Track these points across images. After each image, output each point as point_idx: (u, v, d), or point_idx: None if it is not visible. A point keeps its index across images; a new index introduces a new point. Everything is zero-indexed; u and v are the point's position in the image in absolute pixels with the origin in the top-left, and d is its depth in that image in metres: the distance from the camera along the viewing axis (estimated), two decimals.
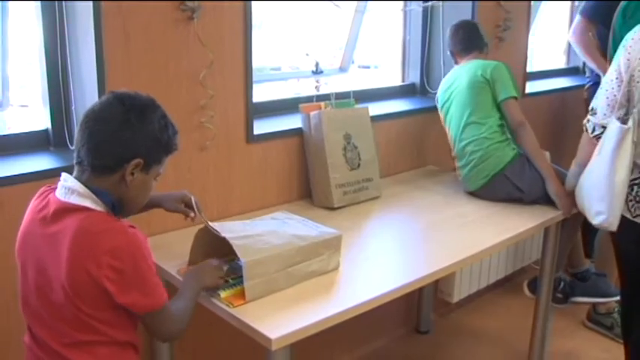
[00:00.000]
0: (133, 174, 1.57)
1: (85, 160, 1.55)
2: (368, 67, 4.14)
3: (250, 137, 2.52)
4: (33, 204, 1.64)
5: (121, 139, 1.55)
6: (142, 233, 1.58)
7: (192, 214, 2.01)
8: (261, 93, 2.55)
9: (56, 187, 1.60)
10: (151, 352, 2.39)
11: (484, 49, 3.05)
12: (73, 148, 2.18)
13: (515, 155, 2.77)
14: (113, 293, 1.51)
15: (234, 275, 1.92)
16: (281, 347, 1.71)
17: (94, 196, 1.55)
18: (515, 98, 2.79)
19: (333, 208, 2.62)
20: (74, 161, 1.59)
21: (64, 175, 1.59)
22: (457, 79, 2.93)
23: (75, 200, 1.54)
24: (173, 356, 2.34)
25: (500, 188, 2.75)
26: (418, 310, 3.48)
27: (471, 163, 2.83)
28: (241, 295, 1.84)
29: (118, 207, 1.60)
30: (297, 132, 2.69)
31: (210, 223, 1.92)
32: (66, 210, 1.54)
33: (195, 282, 1.81)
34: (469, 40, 3.04)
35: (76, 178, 1.57)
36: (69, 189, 1.55)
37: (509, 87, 2.79)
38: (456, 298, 3.44)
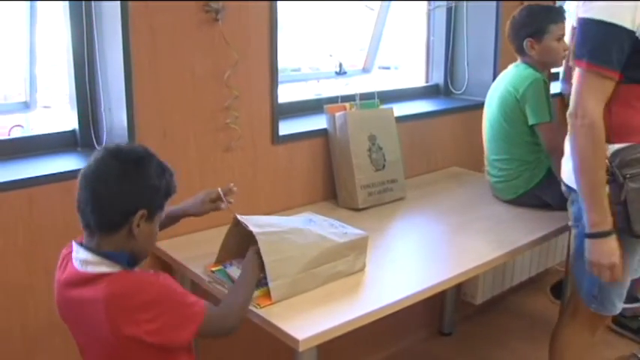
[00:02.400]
0: (139, 225, 1.59)
1: (92, 221, 1.57)
2: (388, 68, 4.13)
3: (276, 138, 2.52)
4: (57, 275, 1.67)
5: (122, 194, 1.57)
6: (161, 273, 1.62)
7: (223, 205, 2.02)
8: (282, 94, 2.54)
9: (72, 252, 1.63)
10: None
11: (525, 51, 2.71)
12: (99, 148, 2.22)
13: (545, 176, 2.68)
14: (158, 343, 1.54)
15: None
16: (308, 348, 1.71)
17: (107, 261, 1.56)
18: (549, 122, 2.62)
19: (357, 209, 2.61)
20: (81, 224, 1.60)
21: (75, 246, 1.62)
22: (500, 84, 2.79)
23: (92, 269, 1.56)
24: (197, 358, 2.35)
25: (529, 201, 2.71)
26: (441, 312, 3.46)
27: (499, 177, 2.78)
28: (268, 295, 1.83)
29: (132, 261, 1.62)
30: (322, 133, 2.69)
31: (238, 216, 1.92)
32: (87, 280, 1.56)
33: (246, 273, 1.82)
34: (512, 37, 2.76)
35: (86, 245, 1.60)
36: (83, 261, 1.58)
37: (542, 110, 2.60)
38: (479, 300, 3.42)
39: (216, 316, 1.66)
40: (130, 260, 1.61)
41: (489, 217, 2.60)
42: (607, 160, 1.98)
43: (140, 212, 1.57)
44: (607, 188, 1.98)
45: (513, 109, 2.67)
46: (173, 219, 2.02)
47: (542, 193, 2.67)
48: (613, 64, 1.91)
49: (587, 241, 2.04)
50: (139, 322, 1.51)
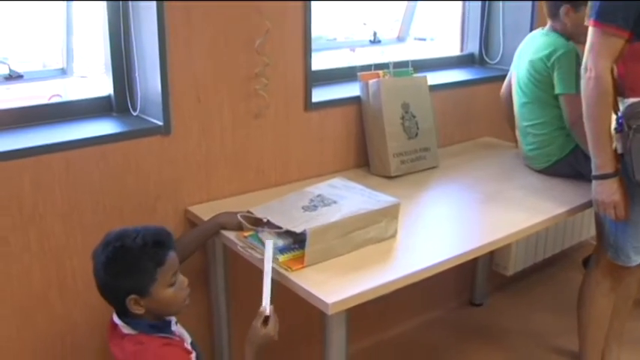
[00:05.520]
0: (139, 304, 1.66)
1: None
2: (424, 40, 4.10)
3: (309, 104, 2.52)
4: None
5: (107, 286, 1.68)
6: (175, 349, 1.70)
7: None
8: (317, 62, 2.54)
9: None
10: (209, 314, 2.44)
11: (559, 17, 2.64)
12: (135, 113, 2.25)
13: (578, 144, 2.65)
14: None
15: (289, 240, 1.93)
16: (337, 312, 1.73)
17: (125, 327, 1.69)
18: (574, 94, 2.53)
19: (390, 177, 2.61)
20: None
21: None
22: (528, 48, 2.76)
23: (122, 328, 1.70)
24: (230, 319, 2.39)
25: (562, 170, 2.68)
26: (472, 283, 3.46)
27: (533, 145, 2.75)
28: (300, 259, 1.85)
29: (156, 323, 1.72)
30: (355, 100, 2.68)
31: (271, 220, 1.94)
32: (118, 334, 1.71)
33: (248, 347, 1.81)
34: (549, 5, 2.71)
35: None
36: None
37: (569, 81, 2.55)
38: (511, 271, 3.41)
39: None
40: (152, 325, 1.70)
41: (522, 187, 2.58)
42: (619, 113, 2.21)
43: (129, 298, 1.65)
44: (616, 138, 2.23)
45: (544, 75, 2.63)
46: (208, 236, 2.10)
47: (575, 162, 2.64)
48: (620, 23, 2.11)
49: (593, 183, 2.31)
50: None
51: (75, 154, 2.04)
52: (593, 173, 2.29)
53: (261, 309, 1.76)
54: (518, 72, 2.80)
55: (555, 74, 2.59)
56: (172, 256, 1.70)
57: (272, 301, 1.77)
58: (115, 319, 1.71)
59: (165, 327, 1.73)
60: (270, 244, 1.83)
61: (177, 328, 1.79)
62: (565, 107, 2.60)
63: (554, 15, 2.67)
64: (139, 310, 1.65)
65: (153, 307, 1.67)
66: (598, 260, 2.58)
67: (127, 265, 1.64)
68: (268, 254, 1.82)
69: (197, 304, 2.40)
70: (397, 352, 3.05)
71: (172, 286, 1.69)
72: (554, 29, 2.69)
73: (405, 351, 3.06)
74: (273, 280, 1.84)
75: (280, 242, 1.90)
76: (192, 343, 1.81)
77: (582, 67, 2.22)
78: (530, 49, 2.73)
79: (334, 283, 1.79)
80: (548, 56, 2.60)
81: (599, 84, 2.17)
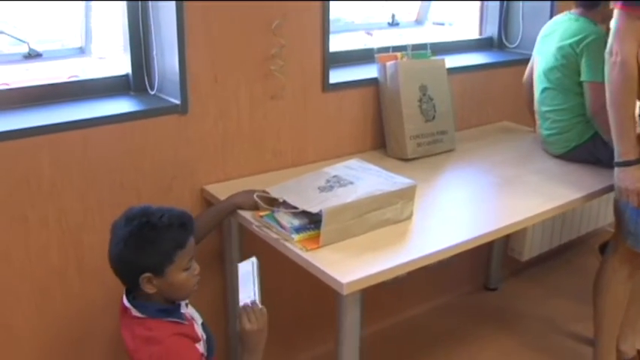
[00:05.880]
0: (151, 283, 1.65)
1: None
2: (442, 24, 4.07)
3: (326, 86, 2.52)
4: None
5: (123, 261, 1.66)
6: (183, 340, 1.68)
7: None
8: (333, 44, 2.53)
9: None
10: (224, 293, 2.46)
11: (595, 6, 2.62)
12: (152, 93, 2.25)
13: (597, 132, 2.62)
14: None
15: (304, 220, 1.93)
16: (352, 292, 1.73)
17: (134, 310, 1.68)
18: (602, 83, 2.44)
19: (406, 160, 2.61)
20: None
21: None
22: (555, 33, 2.71)
23: (132, 311, 1.69)
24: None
25: (581, 156, 2.66)
26: (487, 267, 3.45)
27: (552, 130, 2.72)
28: (315, 239, 1.86)
29: (166, 307, 1.71)
30: (372, 82, 2.67)
31: (287, 200, 1.93)
32: (129, 316, 1.70)
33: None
34: None
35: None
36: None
37: (597, 69, 2.44)
38: (526, 257, 3.40)
39: None
40: (161, 309, 1.69)
41: (539, 172, 2.57)
42: None
43: (143, 276, 1.63)
44: None
45: (571, 61, 2.59)
46: (224, 215, 2.10)
47: (594, 148, 2.62)
48: None
49: (616, 170, 2.28)
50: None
51: (93, 132, 2.05)
52: (616, 160, 2.26)
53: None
54: (541, 57, 2.77)
55: (583, 60, 2.56)
56: (192, 242, 1.70)
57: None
58: (125, 302, 1.71)
59: (174, 311, 1.72)
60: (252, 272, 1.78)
61: (187, 310, 1.78)
62: (589, 95, 2.56)
63: (592, 5, 2.62)
64: (150, 290, 1.65)
65: (164, 288, 1.67)
66: (616, 248, 2.56)
67: (149, 242, 1.63)
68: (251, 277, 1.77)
69: (212, 282, 2.42)
70: (411, 336, 3.05)
71: (186, 270, 1.69)
72: (583, 14, 2.64)
73: (420, 334, 3.07)
74: (288, 261, 1.86)
75: (296, 222, 1.91)
76: (202, 325, 1.81)
77: (607, 51, 2.18)
78: (557, 34, 2.68)
79: (349, 263, 1.79)
80: (578, 42, 2.56)
81: (624, 69, 2.13)
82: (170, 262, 1.64)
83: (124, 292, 1.72)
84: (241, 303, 1.72)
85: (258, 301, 1.70)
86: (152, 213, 1.66)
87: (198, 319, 1.82)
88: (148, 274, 1.63)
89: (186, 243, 1.67)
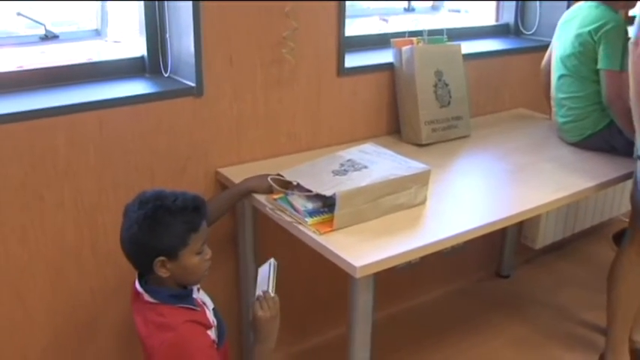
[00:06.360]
0: (165, 266, 1.64)
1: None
2: (458, 12, 4.04)
3: (341, 70, 2.51)
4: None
5: (136, 244, 1.65)
6: (195, 327, 1.67)
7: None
8: (349, 29, 2.53)
9: None
10: (237, 276, 2.47)
11: None
12: (167, 75, 2.26)
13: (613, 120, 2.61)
14: None
15: (318, 203, 1.93)
16: (365, 276, 1.73)
17: (146, 295, 1.68)
18: (618, 70, 2.49)
19: (421, 145, 2.60)
20: None
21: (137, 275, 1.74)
22: (574, 20, 2.69)
23: (144, 296, 1.69)
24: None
25: (596, 144, 2.65)
26: (500, 254, 3.45)
27: (568, 117, 2.71)
28: (329, 222, 1.86)
29: (178, 292, 1.70)
30: (388, 67, 2.67)
31: (301, 183, 1.93)
32: (141, 301, 1.71)
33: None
34: None
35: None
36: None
37: (615, 57, 2.48)
38: (539, 245, 3.39)
39: None
40: (174, 295, 1.69)
41: (554, 159, 2.56)
42: None
43: (158, 259, 1.63)
44: None
45: (589, 48, 2.57)
46: (237, 199, 2.12)
47: (610, 136, 2.60)
48: None
49: (638, 163, 2.22)
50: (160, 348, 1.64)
51: (108, 114, 2.06)
52: (639, 153, 2.22)
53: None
54: (559, 43, 2.75)
55: (601, 48, 2.53)
56: (205, 225, 1.70)
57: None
58: (138, 287, 1.71)
59: (186, 296, 1.72)
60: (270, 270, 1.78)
61: (199, 295, 1.79)
62: (605, 83, 2.54)
63: None
64: (163, 274, 1.64)
65: (177, 272, 1.66)
66: (632, 239, 2.53)
67: (164, 225, 1.62)
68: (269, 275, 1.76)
69: (225, 265, 2.43)
70: (423, 321, 3.06)
71: (199, 254, 1.69)
72: (603, 1, 2.61)
73: (431, 320, 3.07)
74: (301, 244, 1.86)
75: (310, 205, 1.91)
76: (214, 310, 1.82)
77: (631, 41, 2.13)
78: (576, 21, 2.66)
79: (362, 247, 1.79)
80: (597, 29, 2.54)
81: None
82: (184, 245, 1.64)
83: (137, 276, 1.73)
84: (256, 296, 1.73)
85: (271, 291, 1.71)
86: (166, 196, 1.66)
87: (210, 305, 1.82)
88: (162, 258, 1.63)
89: (199, 226, 1.67)
